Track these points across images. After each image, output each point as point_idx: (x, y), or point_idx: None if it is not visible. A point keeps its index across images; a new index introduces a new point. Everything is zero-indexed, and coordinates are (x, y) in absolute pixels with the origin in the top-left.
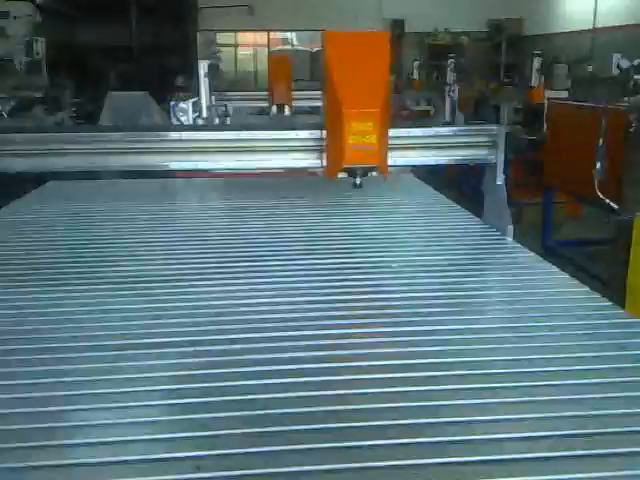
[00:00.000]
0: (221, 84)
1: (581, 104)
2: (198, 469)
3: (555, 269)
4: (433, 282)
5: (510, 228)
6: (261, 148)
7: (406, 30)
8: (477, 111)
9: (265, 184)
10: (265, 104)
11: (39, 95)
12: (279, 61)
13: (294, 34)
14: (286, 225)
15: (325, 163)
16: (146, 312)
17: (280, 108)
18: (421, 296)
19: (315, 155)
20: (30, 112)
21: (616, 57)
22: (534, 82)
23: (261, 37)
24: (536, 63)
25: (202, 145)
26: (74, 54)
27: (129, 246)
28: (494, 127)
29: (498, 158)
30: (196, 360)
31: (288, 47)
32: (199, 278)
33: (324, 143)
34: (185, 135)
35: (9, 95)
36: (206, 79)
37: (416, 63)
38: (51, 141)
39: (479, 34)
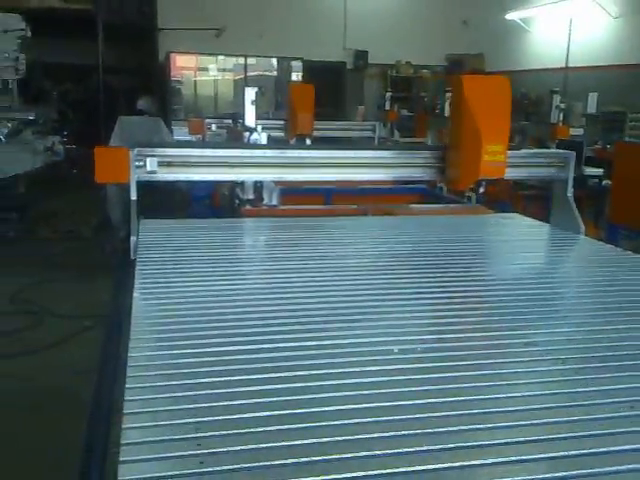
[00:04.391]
0: (184, 109)
1: None
2: None
3: None
4: None
5: (583, 228)
6: (395, 164)
7: (369, 61)
8: None
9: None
10: (278, 133)
11: (31, 117)
12: (302, 90)
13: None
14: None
15: (451, 177)
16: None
17: (300, 139)
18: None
19: (434, 170)
20: (20, 136)
21: (592, 96)
22: (554, 119)
23: (224, 61)
24: (556, 100)
25: (353, 161)
26: None
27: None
28: (567, 151)
29: (569, 175)
30: None
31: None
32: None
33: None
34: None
35: (5, 117)
36: (253, 106)
37: (388, 94)
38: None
39: (439, 68)
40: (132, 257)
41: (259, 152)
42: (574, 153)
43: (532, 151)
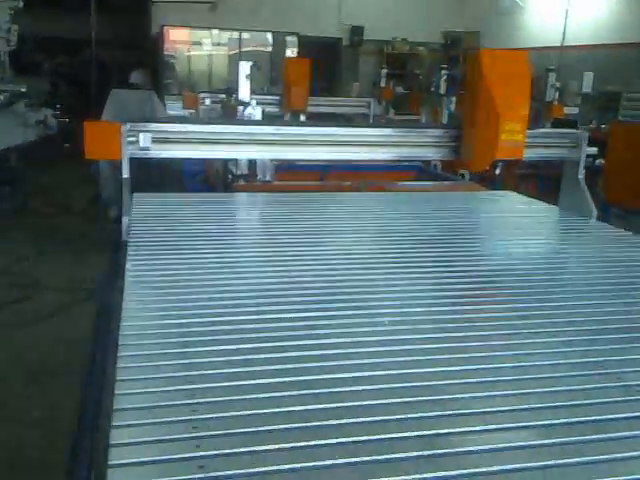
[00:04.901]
0: (177, 83)
1: None
2: None
3: None
4: None
5: (595, 212)
6: (408, 143)
7: (365, 37)
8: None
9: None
10: (273, 109)
11: (23, 89)
12: (297, 64)
13: (214, 37)
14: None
15: (465, 158)
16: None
17: (294, 114)
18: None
19: (447, 149)
20: (12, 108)
21: (587, 75)
22: (549, 97)
23: (218, 36)
24: (551, 78)
25: (365, 140)
26: None
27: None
28: (578, 131)
29: (581, 156)
30: None
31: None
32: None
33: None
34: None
35: None
36: (247, 80)
37: (384, 71)
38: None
39: (435, 45)
40: (124, 238)
41: (257, 129)
42: (586, 133)
43: (544, 131)
